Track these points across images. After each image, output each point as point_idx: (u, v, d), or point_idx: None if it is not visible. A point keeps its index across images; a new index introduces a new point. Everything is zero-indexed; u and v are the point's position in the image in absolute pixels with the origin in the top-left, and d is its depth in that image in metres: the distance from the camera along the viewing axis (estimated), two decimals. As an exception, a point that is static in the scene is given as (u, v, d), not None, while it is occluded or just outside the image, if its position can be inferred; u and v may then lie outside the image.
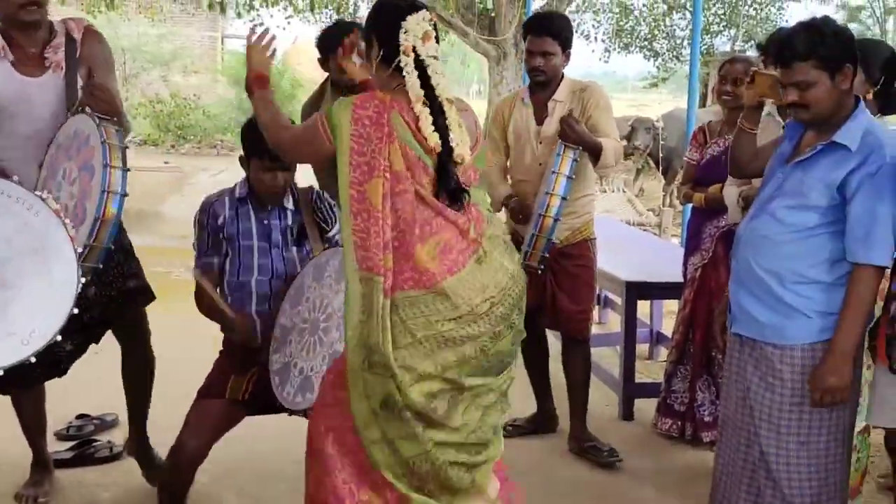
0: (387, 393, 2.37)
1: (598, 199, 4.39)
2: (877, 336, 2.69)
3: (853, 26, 19.61)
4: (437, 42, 2.48)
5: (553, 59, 3.92)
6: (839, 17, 18.73)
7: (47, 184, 2.99)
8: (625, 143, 9.87)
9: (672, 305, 5.01)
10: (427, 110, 2.41)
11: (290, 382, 2.89)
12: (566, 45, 3.96)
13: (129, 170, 2.85)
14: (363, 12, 15.76)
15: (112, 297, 3.24)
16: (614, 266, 4.74)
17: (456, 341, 2.40)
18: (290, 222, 3.13)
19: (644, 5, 21.87)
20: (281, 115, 2.71)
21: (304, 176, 3.26)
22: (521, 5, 13.01)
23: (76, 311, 2.65)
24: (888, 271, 2.65)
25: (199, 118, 18.96)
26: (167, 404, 3.47)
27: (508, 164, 4.17)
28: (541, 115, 4.02)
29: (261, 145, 2.91)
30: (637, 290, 4.65)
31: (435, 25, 2.49)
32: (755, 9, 20.92)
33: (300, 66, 20.22)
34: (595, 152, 3.81)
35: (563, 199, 3.72)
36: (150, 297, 3.48)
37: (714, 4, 20.30)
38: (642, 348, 5.45)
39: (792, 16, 20.89)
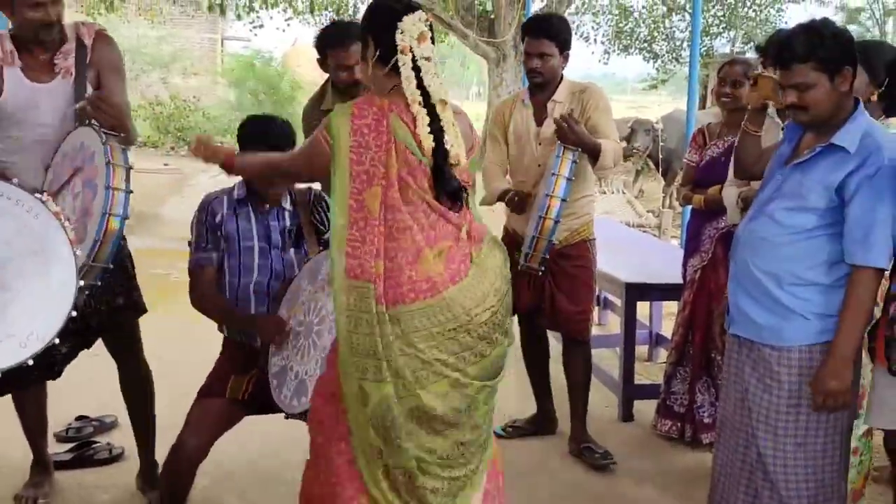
0: (382, 397, 2.37)
1: (597, 200, 4.39)
2: (876, 338, 2.69)
3: (852, 28, 19.59)
4: (433, 43, 2.48)
5: (550, 60, 3.93)
6: (838, 19, 18.71)
7: (52, 188, 2.99)
8: (624, 144, 9.86)
9: (672, 307, 5.00)
10: (424, 111, 2.41)
11: (286, 385, 2.90)
12: (564, 46, 3.96)
13: (131, 192, 2.87)
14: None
15: (100, 310, 3.23)
16: (614, 267, 4.74)
17: (456, 351, 2.40)
18: (288, 223, 3.14)
19: (643, 7, 21.88)
20: (264, 157, 2.80)
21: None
22: (521, 7, 13.03)
23: (74, 313, 2.65)
24: (887, 273, 2.65)
25: (198, 120, 18.96)
26: (167, 405, 3.47)
27: (508, 164, 4.17)
28: (540, 117, 4.02)
29: (257, 136, 2.94)
30: (637, 292, 4.65)
31: (430, 26, 2.49)
32: (754, 10, 20.92)
33: (299, 68, 20.24)
34: (594, 154, 3.81)
35: (563, 200, 3.72)
36: (140, 311, 3.46)
37: (713, 6, 20.30)
38: (642, 350, 5.45)
39: (791, 17, 20.89)
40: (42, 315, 2.62)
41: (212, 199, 3.13)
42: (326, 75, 3.96)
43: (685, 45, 20.55)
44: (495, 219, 4.05)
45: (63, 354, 3.19)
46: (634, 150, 12.48)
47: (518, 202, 3.93)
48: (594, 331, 4.28)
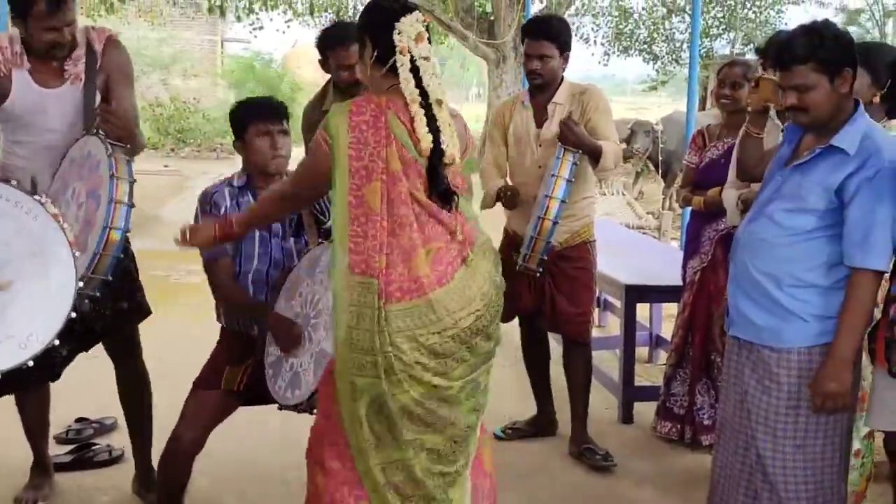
0: (377, 394, 2.37)
1: (597, 202, 4.39)
2: (876, 339, 2.69)
3: (852, 29, 19.59)
4: (430, 43, 2.49)
5: (550, 62, 3.93)
6: (838, 20, 18.71)
7: (58, 196, 2.99)
8: (624, 146, 9.87)
9: (671, 309, 5.00)
10: (422, 111, 2.42)
11: (281, 377, 2.89)
12: (564, 48, 3.96)
13: (133, 206, 2.87)
14: (363, 16, 15.72)
15: (104, 314, 3.22)
16: (614, 269, 4.74)
17: (438, 353, 2.40)
18: None
19: (643, 9, 21.92)
20: (262, 197, 2.82)
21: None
22: (521, 9, 13.05)
23: (74, 314, 2.65)
24: (887, 275, 2.65)
25: (198, 122, 19.00)
26: (167, 405, 3.46)
27: (508, 166, 4.17)
28: (540, 118, 4.02)
29: (252, 110, 2.96)
30: (636, 294, 4.64)
31: (427, 27, 2.50)
32: (754, 12, 20.95)
33: (299, 70, 20.28)
34: (594, 155, 3.82)
35: (563, 202, 3.72)
36: (144, 314, 3.46)
37: (713, 8, 20.33)
38: (642, 351, 5.44)
39: (791, 19, 20.92)
40: (41, 316, 2.62)
41: (213, 192, 3.13)
42: (327, 77, 3.97)
43: (685, 46, 20.58)
44: (496, 220, 4.06)
45: (63, 357, 3.19)
46: (634, 152, 12.48)
47: (509, 197, 3.94)
48: (594, 332, 4.28)
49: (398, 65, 2.42)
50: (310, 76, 18.56)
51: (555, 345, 4.45)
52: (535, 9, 12.57)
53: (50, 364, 3.13)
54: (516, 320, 4.25)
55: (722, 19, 20.82)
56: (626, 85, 42.80)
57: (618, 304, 5.08)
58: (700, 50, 13.69)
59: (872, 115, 2.94)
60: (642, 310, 5.07)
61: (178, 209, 9.79)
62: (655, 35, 21.93)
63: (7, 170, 3.18)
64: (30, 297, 2.62)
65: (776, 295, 2.63)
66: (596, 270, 4.14)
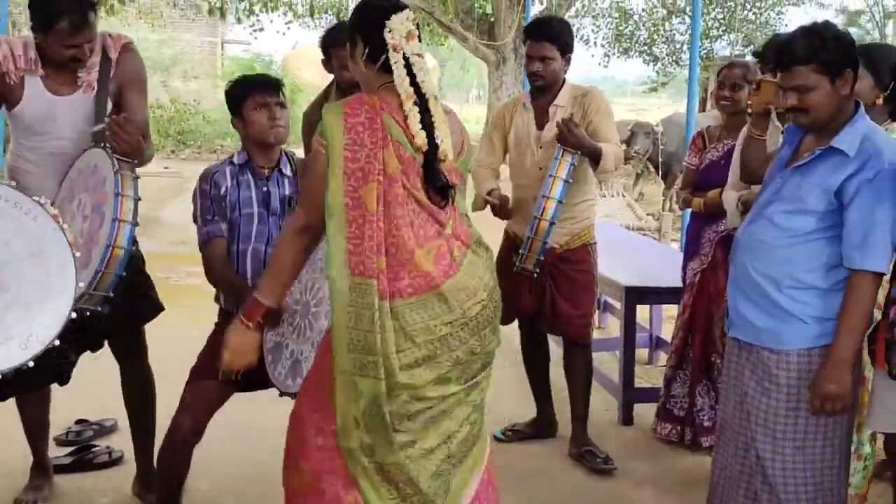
0: (375, 395, 2.37)
1: (598, 203, 4.39)
2: (876, 341, 2.69)
3: (852, 31, 19.58)
4: (420, 41, 2.51)
5: (552, 63, 3.92)
6: (838, 22, 18.69)
7: (64, 204, 3.00)
8: (624, 147, 9.87)
9: (672, 310, 5.00)
10: (416, 108, 2.43)
11: (281, 363, 2.88)
12: (566, 50, 3.96)
13: (137, 224, 2.87)
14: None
15: (117, 314, 3.20)
16: (614, 271, 4.74)
17: (451, 346, 2.41)
18: (287, 191, 3.14)
19: (643, 10, 21.94)
20: (280, 239, 2.62)
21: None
22: (521, 10, 13.05)
23: (74, 315, 2.65)
24: (888, 276, 2.65)
25: (199, 123, 19.00)
26: (167, 406, 3.45)
27: (509, 168, 4.17)
28: (542, 120, 4.02)
29: (248, 85, 2.96)
30: (636, 295, 4.64)
31: (417, 25, 2.52)
32: (754, 13, 20.97)
33: (299, 72, 20.27)
34: (594, 157, 3.81)
35: (559, 202, 3.72)
36: (158, 310, 3.47)
37: (713, 9, 20.35)
38: (642, 353, 5.44)
39: (791, 20, 20.94)
40: (41, 317, 2.62)
41: (213, 172, 3.12)
42: (327, 79, 3.97)
43: (685, 47, 20.60)
44: (496, 220, 4.06)
45: (71, 362, 3.19)
46: (634, 153, 12.48)
47: (501, 207, 3.93)
48: (594, 334, 4.27)
49: (392, 62, 2.43)
50: (310, 78, 18.57)
51: (555, 346, 4.45)
52: (535, 10, 12.57)
53: (59, 368, 3.13)
54: (516, 322, 4.25)
55: (722, 21, 20.84)
56: (626, 86, 42.85)
57: (618, 305, 5.08)
58: (700, 51, 13.68)
59: (875, 117, 2.95)
60: (642, 311, 5.07)
61: (178, 211, 9.78)
62: (655, 36, 21.95)
63: (15, 173, 3.18)
64: (30, 298, 2.62)
65: (776, 297, 2.63)
66: (597, 272, 4.14)
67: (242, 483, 3.70)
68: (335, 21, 15.78)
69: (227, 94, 3.15)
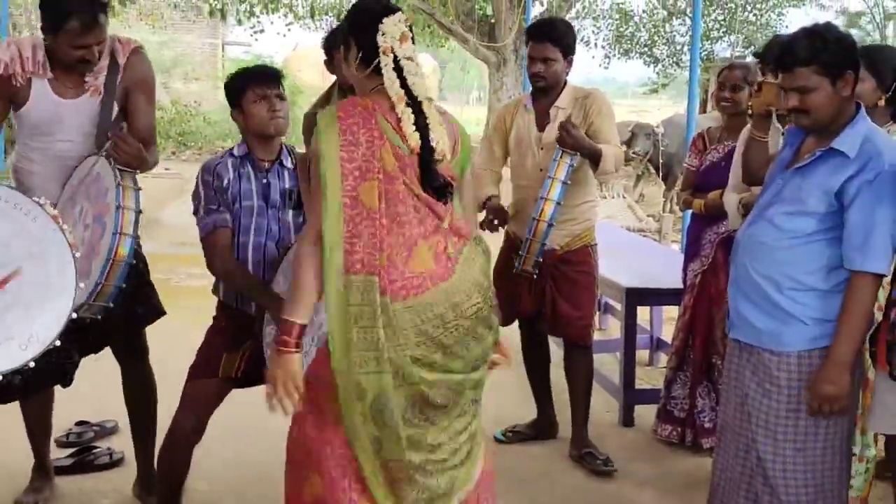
0: (380, 390, 2.37)
1: (599, 205, 4.39)
2: (877, 342, 2.69)
3: (853, 32, 19.61)
4: (413, 43, 2.51)
5: (554, 65, 3.92)
6: (839, 23, 18.71)
7: (66, 208, 3.00)
8: (625, 148, 9.87)
9: (672, 311, 5.00)
10: (409, 110, 2.43)
11: None
12: (568, 51, 3.95)
13: (138, 237, 2.89)
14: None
15: (117, 318, 3.20)
16: (614, 272, 4.74)
17: (444, 346, 2.41)
18: (287, 184, 3.13)
19: (644, 11, 21.94)
20: (297, 250, 2.52)
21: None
22: (521, 12, 13.05)
23: (75, 315, 2.65)
24: (888, 278, 2.65)
25: (199, 125, 19.00)
26: (167, 407, 3.45)
27: (510, 169, 4.17)
28: (542, 122, 4.01)
29: (248, 77, 2.97)
30: (637, 296, 4.64)
31: (410, 27, 2.52)
32: (755, 15, 20.97)
33: (300, 73, 20.27)
34: (594, 158, 3.81)
35: (558, 204, 3.71)
36: (158, 314, 3.46)
37: (714, 10, 20.35)
38: (642, 354, 5.44)
39: (792, 22, 20.94)
40: (41, 317, 2.62)
41: (215, 164, 3.11)
42: (329, 79, 3.97)
43: (685, 49, 20.61)
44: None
45: (75, 362, 3.19)
46: (634, 155, 12.48)
47: (494, 215, 3.92)
48: (595, 336, 4.27)
49: (382, 65, 2.43)
50: (310, 79, 18.58)
51: (555, 348, 4.45)
52: (535, 12, 12.58)
53: (62, 369, 3.13)
54: (516, 323, 4.25)
55: (722, 22, 20.84)
56: (626, 88, 42.84)
57: (618, 306, 5.08)
58: (700, 53, 13.68)
59: (877, 119, 2.95)
60: (643, 313, 5.07)
61: (178, 212, 9.77)
62: (656, 38, 21.95)
63: (20, 174, 3.19)
64: (29, 298, 2.62)
65: (776, 298, 2.63)
66: (597, 274, 4.14)
67: (242, 483, 3.70)
68: (336, 23, 15.81)
69: (227, 86, 3.15)
